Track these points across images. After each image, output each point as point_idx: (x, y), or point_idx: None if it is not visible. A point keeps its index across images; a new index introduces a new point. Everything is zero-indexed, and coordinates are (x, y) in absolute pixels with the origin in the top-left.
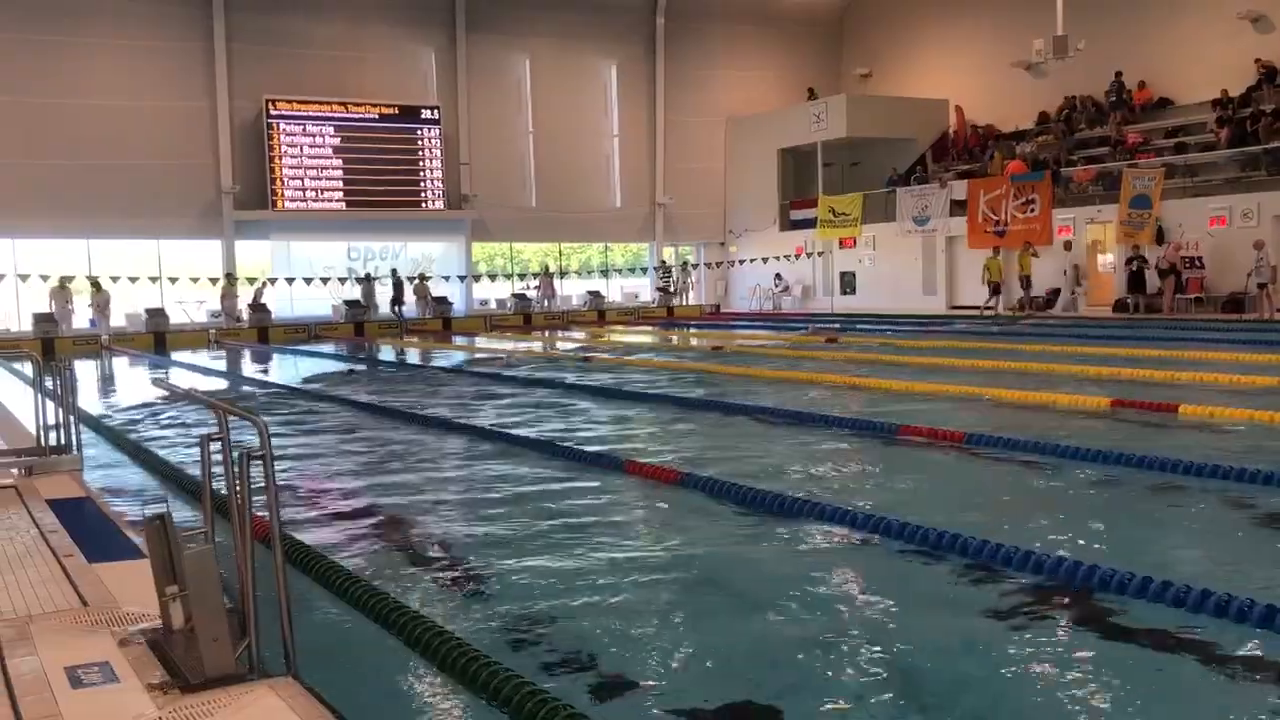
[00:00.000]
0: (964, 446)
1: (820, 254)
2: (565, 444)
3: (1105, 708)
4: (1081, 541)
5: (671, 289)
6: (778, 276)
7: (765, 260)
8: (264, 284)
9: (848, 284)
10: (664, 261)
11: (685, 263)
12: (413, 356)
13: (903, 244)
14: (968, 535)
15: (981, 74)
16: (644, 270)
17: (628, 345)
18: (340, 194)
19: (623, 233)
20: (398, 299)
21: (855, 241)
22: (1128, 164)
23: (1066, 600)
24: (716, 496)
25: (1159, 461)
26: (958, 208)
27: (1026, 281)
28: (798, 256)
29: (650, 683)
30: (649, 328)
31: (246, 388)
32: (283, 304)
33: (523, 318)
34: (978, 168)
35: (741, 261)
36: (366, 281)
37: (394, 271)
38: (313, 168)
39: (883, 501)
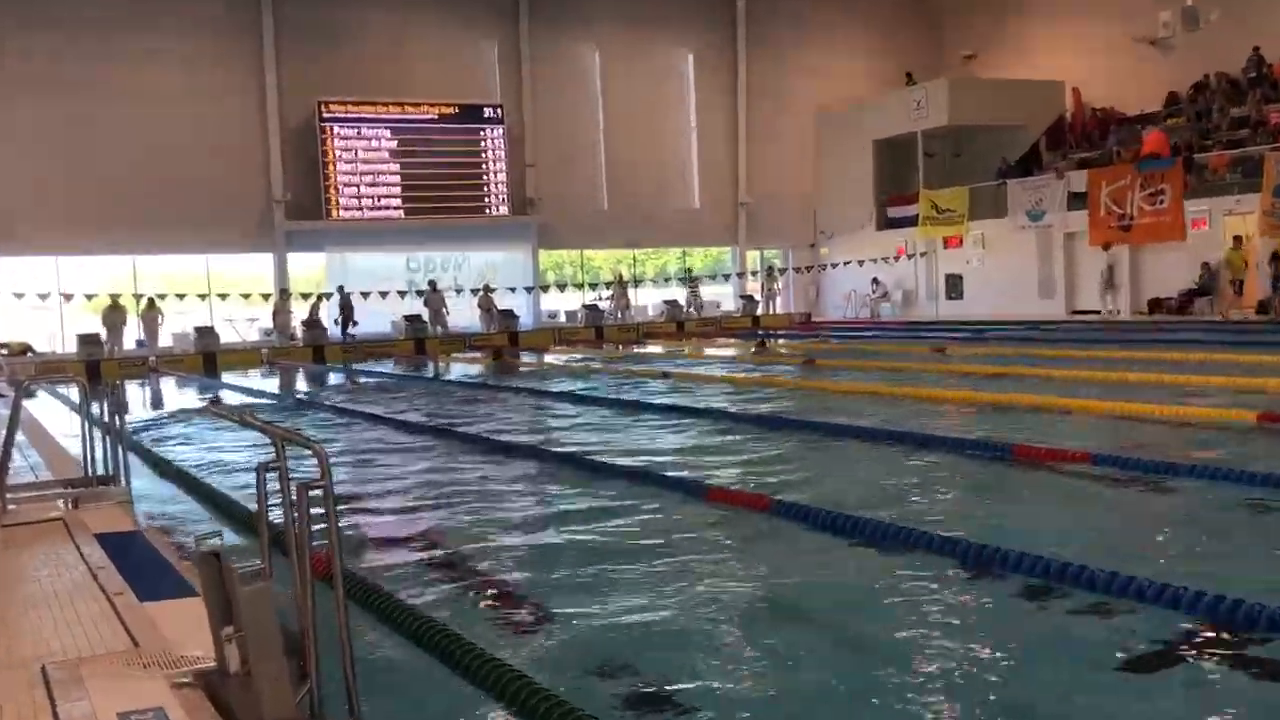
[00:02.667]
0: (1088, 468)
1: (923, 255)
2: (643, 468)
3: None
4: (1224, 574)
5: (759, 295)
6: (875, 281)
7: (860, 263)
8: (319, 299)
9: (954, 287)
10: (765, 267)
11: (771, 267)
12: (475, 374)
13: (1015, 242)
14: (1094, 567)
15: (1100, 52)
16: (726, 277)
17: (709, 359)
18: (398, 200)
19: (703, 236)
20: (347, 319)
21: (961, 240)
22: (1270, 148)
23: (1208, 637)
24: (810, 525)
25: None
26: (1076, 200)
27: (1238, 285)
28: (898, 258)
29: None
30: (733, 339)
31: (302, 411)
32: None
33: (594, 330)
34: (1098, 156)
35: (834, 265)
36: (433, 292)
37: (340, 289)
38: (369, 173)
39: (995, 529)
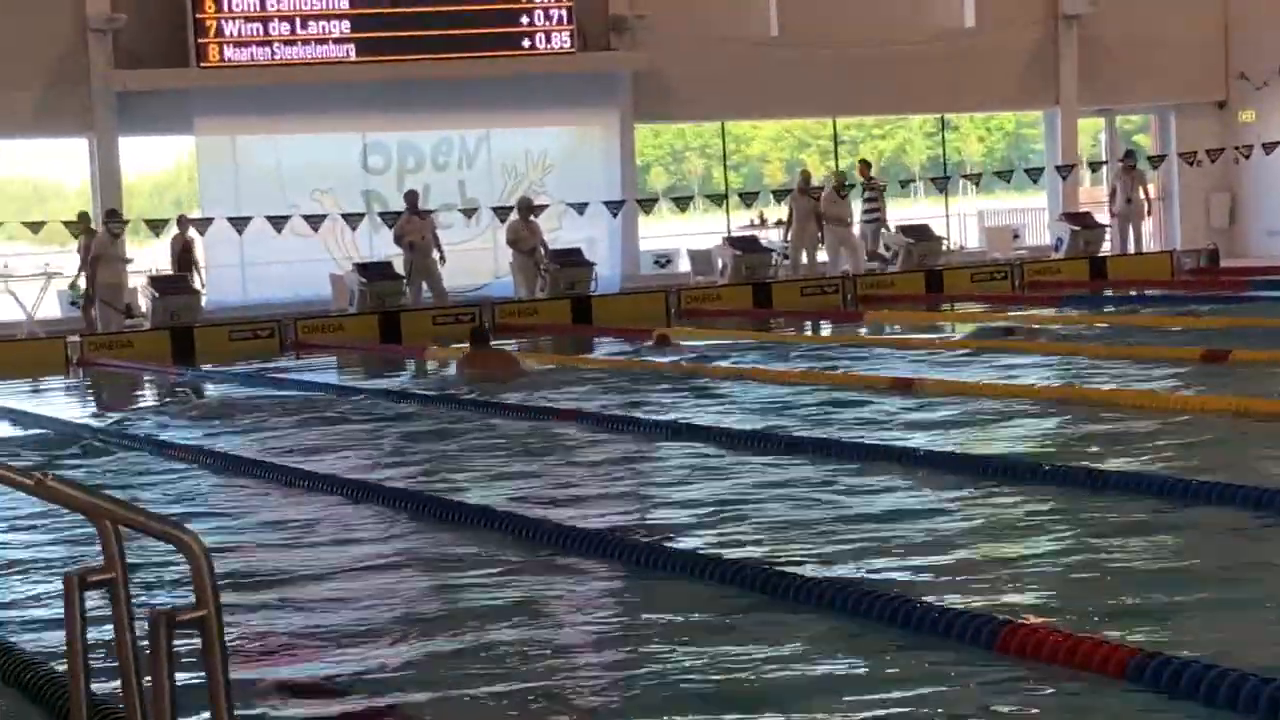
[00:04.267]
0: None
1: None
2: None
3: None
4: None
5: (1111, 211)
6: None
7: None
8: (188, 229)
9: None
10: (1122, 155)
11: (1131, 153)
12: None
13: None
14: None
15: None
16: (1031, 172)
17: (981, 357)
18: (344, 29)
19: (984, 87)
20: (184, 267)
21: None
22: None
23: None
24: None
25: None
26: None
27: None
28: None
29: None
30: (1046, 310)
31: (152, 464)
32: (226, 275)
33: (752, 291)
34: None
35: (1268, 146)
36: (413, 214)
37: (180, 221)
38: None
39: None
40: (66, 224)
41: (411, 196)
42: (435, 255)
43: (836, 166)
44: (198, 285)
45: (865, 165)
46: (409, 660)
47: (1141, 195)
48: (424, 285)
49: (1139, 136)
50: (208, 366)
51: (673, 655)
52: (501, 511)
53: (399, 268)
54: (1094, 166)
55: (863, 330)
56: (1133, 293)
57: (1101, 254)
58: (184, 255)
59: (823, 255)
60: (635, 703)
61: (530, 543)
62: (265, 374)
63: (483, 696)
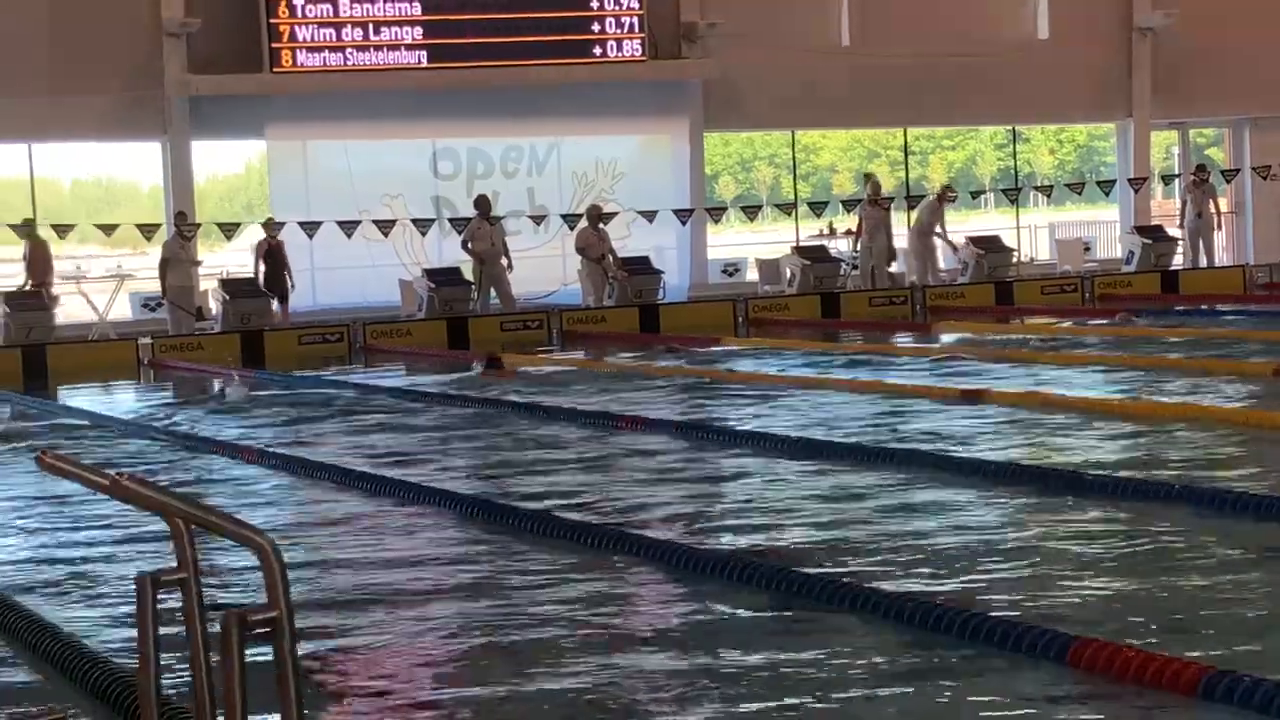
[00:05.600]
0: None
1: None
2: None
3: None
4: None
5: (1184, 227)
6: None
7: None
8: (273, 233)
9: None
10: (1194, 169)
11: (1204, 167)
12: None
13: None
14: None
15: None
16: (1103, 185)
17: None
18: (416, 35)
19: (1055, 99)
20: (278, 275)
21: None
22: None
23: None
24: None
25: None
26: None
27: None
28: None
29: None
30: (1099, 324)
31: (217, 467)
32: (295, 279)
33: (820, 301)
34: None
35: None
36: (484, 218)
37: (269, 224)
38: None
39: None
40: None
41: (482, 202)
42: (504, 262)
43: (906, 177)
44: (288, 287)
45: (871, 181)
46: (469, 663)
47: (1213, 209)
48: (492, 292)
49: (1212, 150)
50: (276, 370)
51: (735, 664)
52: (564, 517)
53: (467, 274)
54: (1166, 180)
55: (932, 341)
56: (1204, 307)
57: (1173, 268)
58: (271, 258)
59: (894, 267)
60: (696, 712)
61: (592, 549)
62: (333, 377)
63: (540, 698)
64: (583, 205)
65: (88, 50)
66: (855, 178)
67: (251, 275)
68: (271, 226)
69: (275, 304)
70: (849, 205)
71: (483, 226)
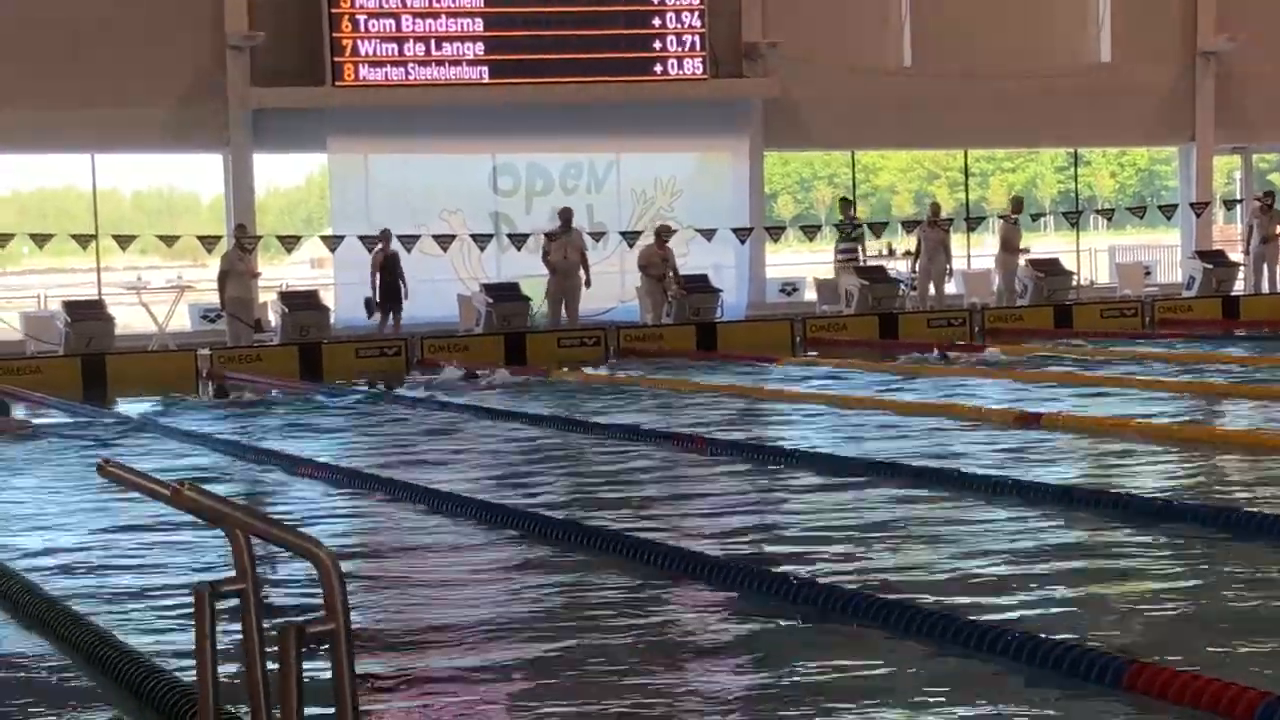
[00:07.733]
0: None
1: None
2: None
3: None
4: None
5: (1246, 250)
6: None
7: None
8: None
9: None
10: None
11: (1272, 193)
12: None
13: None
14: None
15: None
16: (1164, 209)
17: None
18: (478, 51)
19: (1117, 122)
20: (390, 292)
21: None
22: None
23: None
24: None
25: None
26: None
27: None
28: None
29: None
30: (1167, 344)
31: (277, 480)
32: (354, 293)
33: (878, 321)
34: None
35: None
36: (565, 231)
37: (383, 236)
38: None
39: None
40: (207, 239)
41: (565, 214)
42: (580, 275)
43: (966, 199)
44: (403, 298)
45: (846, 203)
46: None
47: (1278, 234)
48: (560, 308)
49: (1275, 175)
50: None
51: (786, 681)
52: (625, 534)
53: (525, 289)
54: (1228, 204)
55: (988, 362)
56: (1266, 331)
57: (1235, 293)
58: (386, 268)
59: (951, 288)
60: None
61: (650, 566)
62: (391, 391)
63: (599, 714)
64: (641, 222)
65: (151, 62)
66: (914, 198)
67: (310, 289)
68: (386, 236)
69: (377, 314)
70: (908, 226)
71: (559, 238)
